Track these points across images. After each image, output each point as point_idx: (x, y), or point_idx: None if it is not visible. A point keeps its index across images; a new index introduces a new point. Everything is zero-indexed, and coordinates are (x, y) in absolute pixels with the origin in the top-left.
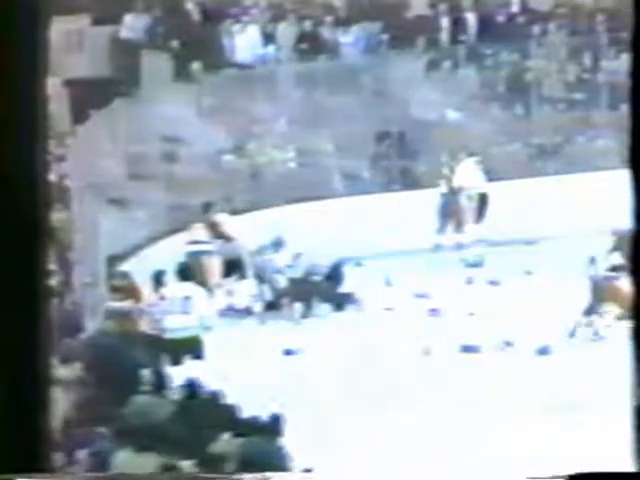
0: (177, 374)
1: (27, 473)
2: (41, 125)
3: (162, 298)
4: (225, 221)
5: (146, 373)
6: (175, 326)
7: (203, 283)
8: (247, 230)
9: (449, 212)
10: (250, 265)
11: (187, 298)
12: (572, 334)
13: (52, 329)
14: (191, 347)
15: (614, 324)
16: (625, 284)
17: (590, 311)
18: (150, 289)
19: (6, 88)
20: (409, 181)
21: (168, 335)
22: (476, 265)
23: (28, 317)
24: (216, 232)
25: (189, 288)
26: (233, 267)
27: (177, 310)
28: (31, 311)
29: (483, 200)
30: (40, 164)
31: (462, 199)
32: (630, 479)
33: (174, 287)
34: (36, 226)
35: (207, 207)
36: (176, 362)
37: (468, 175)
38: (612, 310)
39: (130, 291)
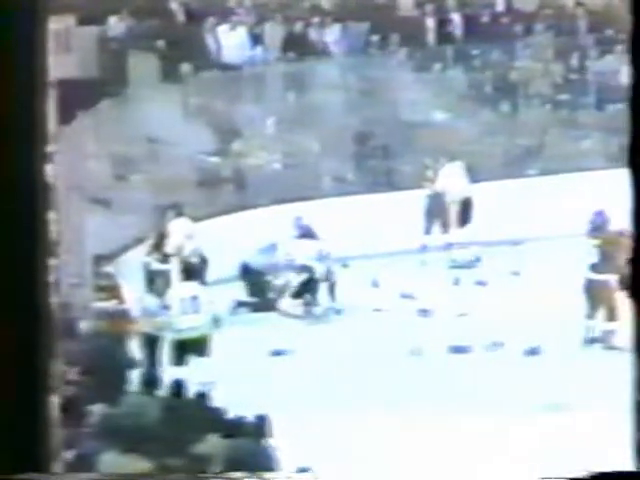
0: (170, 374)
1: (26, 473)
2: (39, 126)
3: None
4: (182, 229)
5: (135, 373)
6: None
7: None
8: (233, 231)
9: (435, 213)
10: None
11: (182, 299)
12: (588, 341)
13: (52, 328)
14: (198, 346)
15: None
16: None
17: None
18: (139, 290)
19: (3, 89)
20: (396, 182)
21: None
22: (464, 266)
23: (27, 317)
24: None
25: (185, 289)
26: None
27: (172, 310)
28: (30, 311)
29: (466, 205)
30: (37, 164)
31: (447, 201)
32: None
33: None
34: (35, 226)
35: (169, 212)
36: (179, 362)
37: (451, 179)
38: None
39: (115, 291)
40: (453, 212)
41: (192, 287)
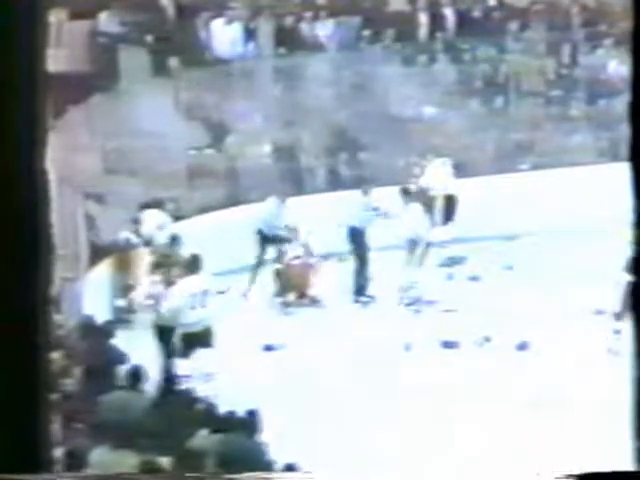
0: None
1: (26, 473)
2: (41, 118)
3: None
4: (155, 219)
5: (124, 368)
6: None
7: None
8: (228, 226)
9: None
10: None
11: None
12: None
13: (52, 327)
14: (203, 339)
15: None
16: None
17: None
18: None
19: (5, 85)
20: (388, 177)
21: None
22: (457, 262)
23: (28, 314)
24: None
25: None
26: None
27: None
28: (31, 308)
29: (450, 202)
30: (39, 158)
31: (431, 197)
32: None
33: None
34: (34, 220)
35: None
36: (185, 355)
37: (437, 176)
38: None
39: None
40: (437, 208)
41: (201, 280)
